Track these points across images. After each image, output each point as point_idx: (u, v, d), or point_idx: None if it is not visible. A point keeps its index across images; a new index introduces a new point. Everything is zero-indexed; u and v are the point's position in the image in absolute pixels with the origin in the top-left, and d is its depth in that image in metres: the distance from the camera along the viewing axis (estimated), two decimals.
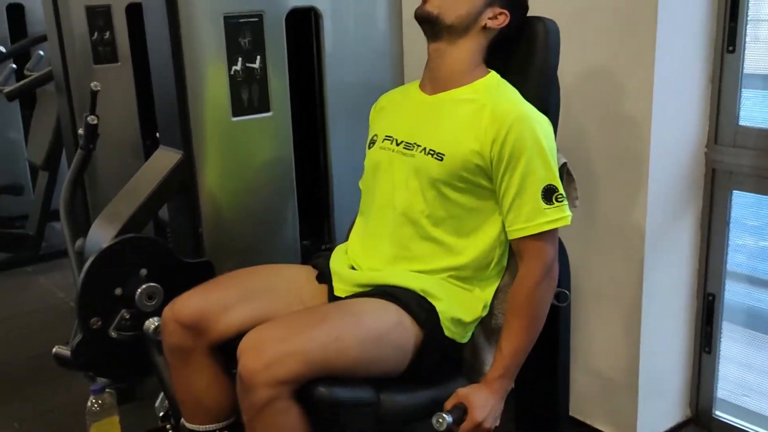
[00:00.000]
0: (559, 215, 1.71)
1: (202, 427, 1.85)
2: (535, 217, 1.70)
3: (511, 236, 1.74)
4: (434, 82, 1.83)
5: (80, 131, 3.04)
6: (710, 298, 2.43)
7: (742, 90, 2.24)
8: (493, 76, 1.82)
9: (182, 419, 1.92)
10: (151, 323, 1.97)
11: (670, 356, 2.47)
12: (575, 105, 2.25)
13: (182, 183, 2.10)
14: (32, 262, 4.22)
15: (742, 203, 2.33)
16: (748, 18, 2.18)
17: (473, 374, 1.81)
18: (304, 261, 2.32)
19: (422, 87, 1.87)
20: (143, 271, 1.97)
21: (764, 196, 2.29)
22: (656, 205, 2.24)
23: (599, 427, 2.49)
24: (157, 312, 1.97)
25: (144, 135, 3.33)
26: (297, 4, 2.24)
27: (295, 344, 1.56)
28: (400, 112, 1.90)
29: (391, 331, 1.66)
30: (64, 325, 3.32)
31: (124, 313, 1.97)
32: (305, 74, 2.36)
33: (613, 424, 2.46)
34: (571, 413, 2.33)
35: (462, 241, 1.78)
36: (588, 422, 2.50)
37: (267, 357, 1.52)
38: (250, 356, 1.54)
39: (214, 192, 2.13)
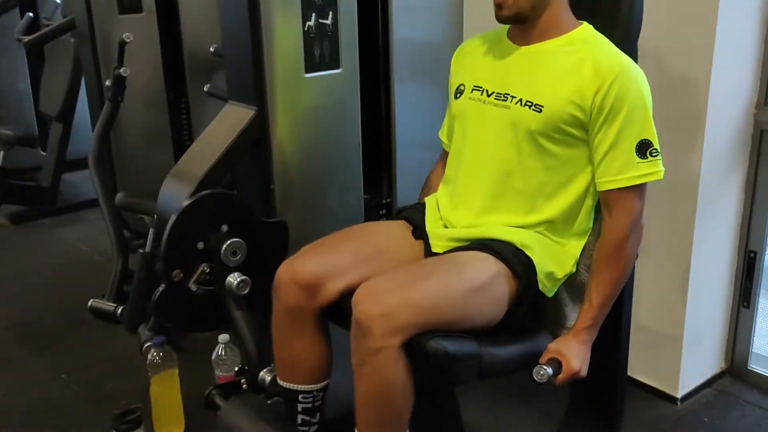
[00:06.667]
0: (652, 170, 1.72)
1: (300, 387, 1.89)
2: (627, 170, 1.71)
3: (601, 188, 1.76)
4: (527, 32, 1.80)
5: (107, 83, 3.01)
6: (752, 254, 2.51)
7: None
8: (587, 27, 1.81)
9: (262, 374, 1.96)
10: (234, 278, 1.98)
11: (712, 310, 2.54)
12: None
13: (255, 139, 2.10)
14: (49, 215, 4.17)
15: None
16: None
17: (556, 328, 1.85)
18: (367, 215, 2.36)
19: (512, 37, 1.85)
20: (224, 227, 1.98)
21: None
22: (709, 163, 2.29)
23: (641, 379, 2.57)
24: (239, 268, 1.99)
25: (168, 87, 3.30)
26: None
27: (409, 295, 1.59)
28: (488, 61, 1.88)
29: (491, 281, 1.69)
30: (93, 278, 3.33)
31: (205, 267, 1.99)
32: (369, 30, 2.34)
33: (655, 377, 2.54)
34: None
35: (555, 191, 1.79)
36: (629, 374, 2.55)
37: (385, 305, 1.56)
38: (369, 303, 1.58)
39: (285, 148, 2.13)
